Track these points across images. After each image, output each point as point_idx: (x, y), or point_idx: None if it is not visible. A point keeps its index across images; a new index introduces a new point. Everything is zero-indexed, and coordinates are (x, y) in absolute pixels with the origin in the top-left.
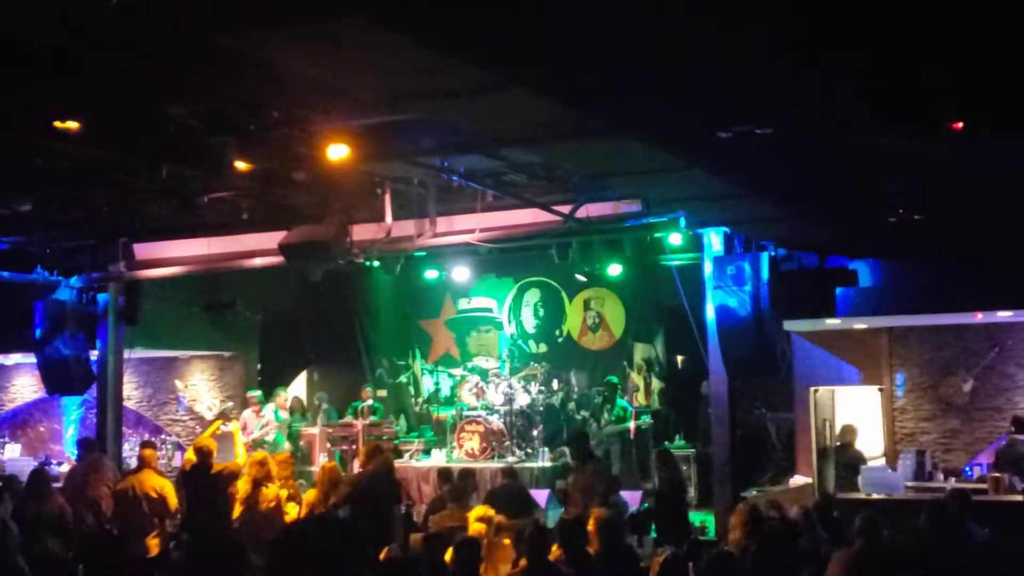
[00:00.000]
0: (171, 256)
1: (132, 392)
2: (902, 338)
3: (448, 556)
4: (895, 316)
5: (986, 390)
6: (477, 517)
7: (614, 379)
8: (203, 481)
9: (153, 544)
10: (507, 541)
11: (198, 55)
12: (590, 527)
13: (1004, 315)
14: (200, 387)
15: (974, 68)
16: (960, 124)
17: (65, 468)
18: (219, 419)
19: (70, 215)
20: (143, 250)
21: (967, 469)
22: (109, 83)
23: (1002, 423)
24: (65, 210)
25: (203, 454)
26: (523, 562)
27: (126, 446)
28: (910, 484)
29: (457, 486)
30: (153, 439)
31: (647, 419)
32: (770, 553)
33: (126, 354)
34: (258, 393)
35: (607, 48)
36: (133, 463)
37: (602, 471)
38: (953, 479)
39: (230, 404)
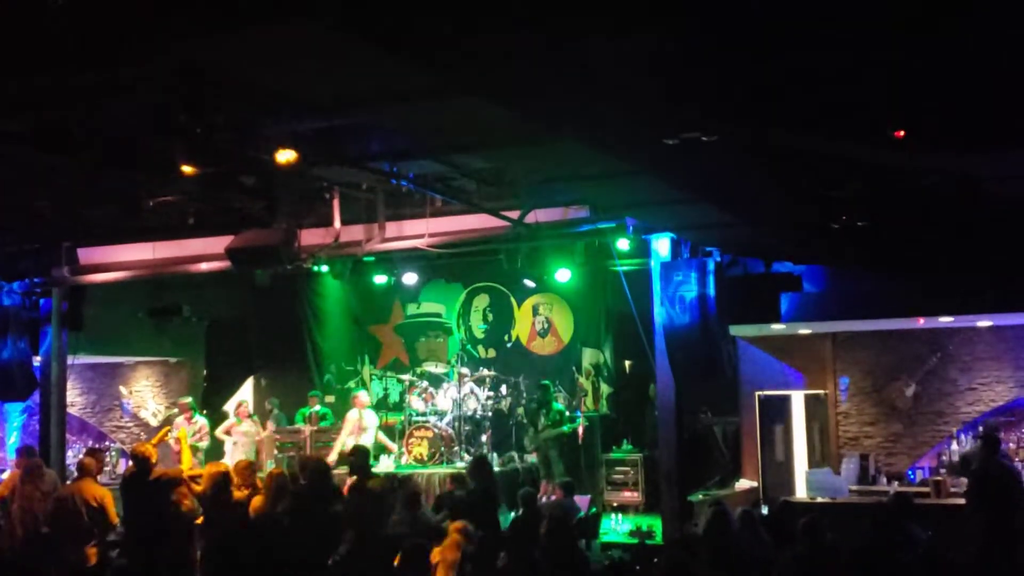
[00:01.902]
0: (116, 261)
1: (76, 398)
2: (846, 343)
3: (396, 561)
4: (839, 321)
5: (928, 395)
6: (456, 529)
7: (547, 383)
8: (142, 488)
9: (91, 553)
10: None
11: (144, 57)
12: (542, 531)
13: (945, 320)
14: (145, 393)
15: (917, 77)
16: (902, 132)
17: (6, 475)
18: (166, 426)
19: (12, 219)
20: (87, 255)
21: (910, 472)
22: (52, 85)
23: (944, 427)
24: (7, 214)
25: (140, 461)
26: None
27: (69, 453)
28: (854, 488)
29: (407, 493)
30: (98, 447)
31: (580, 421)
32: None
33: (69, 360)
34: (190, 399)
35: (555, 53)
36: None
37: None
38: (896, 483)
39: (175, 411)
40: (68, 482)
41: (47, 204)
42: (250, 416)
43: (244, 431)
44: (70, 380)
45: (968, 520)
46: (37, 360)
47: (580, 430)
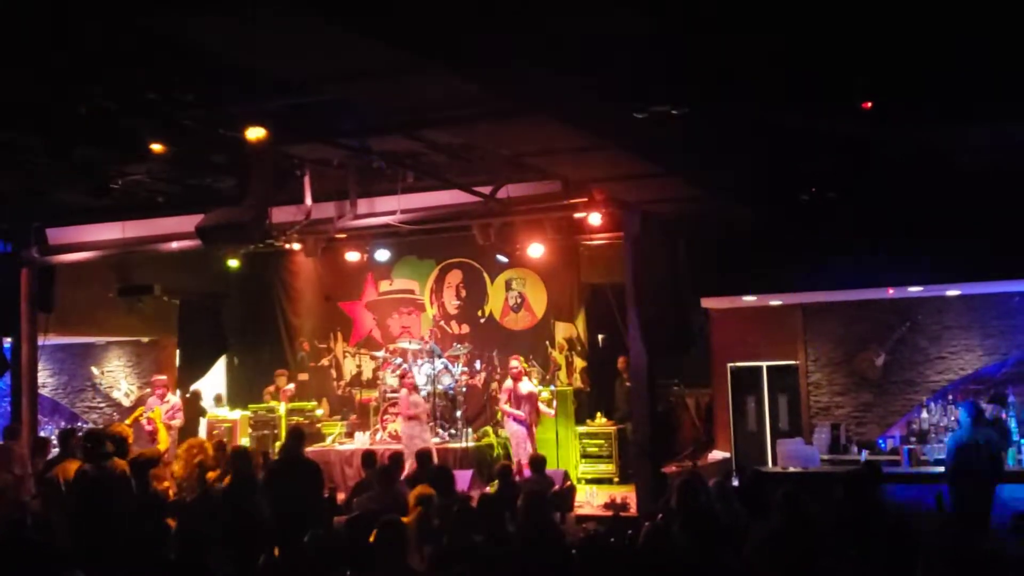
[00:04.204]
0: (86, 240)
1: (47, 379)
2: (816, 314)
3: (372, 538)
4: (809, 292)
5: (898, 364)
6: (416, 496)
7: (520, 358)
8: None
9: None
10: (437, 521)
11: (113, 35)
12: (518, 503)
13: (914, 290)
14: (117, 373)
15: (884, 48)
16: (869, 104)
17: None
18: (139, 407)
19: None
20: (57, 235)
21: (880, 441)
22: (21, 64)
23: (914, 396)
24: None
25: (118, 441)
26: (449, 542)
27: (41, 434)
28: (825, 457)
29: (382, 468)
30: (73, 427)
31: (548, 395)
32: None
33: (40, 341)
34: (164, 377)
35: (525, 29)
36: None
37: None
38: (867, 451)
39: (148, 390)
40: (52, 462)
41: (15, 184)
42: (415, 388)
43: (412, 401)
44: (41, 361)
45: (943, 487)
46: (7, 341)
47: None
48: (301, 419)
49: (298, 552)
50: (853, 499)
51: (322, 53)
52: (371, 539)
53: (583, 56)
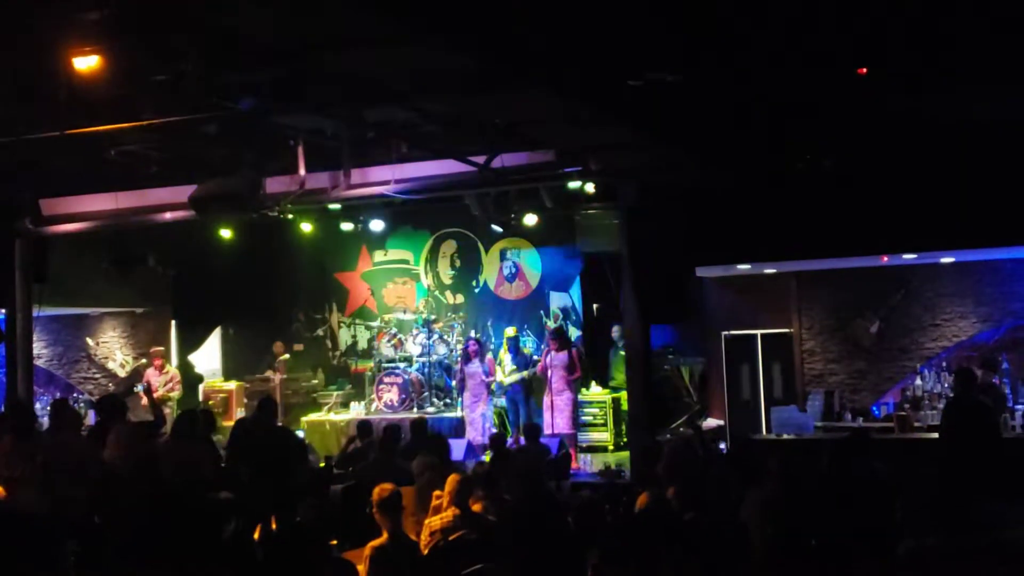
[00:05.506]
0: (79, 211)
1: (42, 350)
2: (810, 282)
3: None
4: (803, 260)
5: (892, 331)
6: (425, 463)
7: (511, 332)
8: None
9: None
10: (437, 492)
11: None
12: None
13: (909, 258)
14: (112, 344)
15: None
16: (864, 70)
17: None
18: (137, 379)
19: None
20: (50, 206)
21: (874, 408)
22: (11, 32)
23: (908, 363)
24: None
25: (113, 409)
26: (448, 511)
27: (37, 405)
28: (819, 424)
29: (380, 438)
30: (65, 398)
31: (533, 370)
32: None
33: (35, 312)
34: (161, 349)
35: None
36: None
37: None
38: (861, 418)
39: (143, 361)
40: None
41: (7, 155)
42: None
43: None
44: (36, 332)
45: (939, 453)
46: (2, 312)
47: (539, 372)
48: (296, 388)
49: (294, 520)
50: (839, 465)
51: (315, 21)
52: (368, 507)
53: (578, 23)
